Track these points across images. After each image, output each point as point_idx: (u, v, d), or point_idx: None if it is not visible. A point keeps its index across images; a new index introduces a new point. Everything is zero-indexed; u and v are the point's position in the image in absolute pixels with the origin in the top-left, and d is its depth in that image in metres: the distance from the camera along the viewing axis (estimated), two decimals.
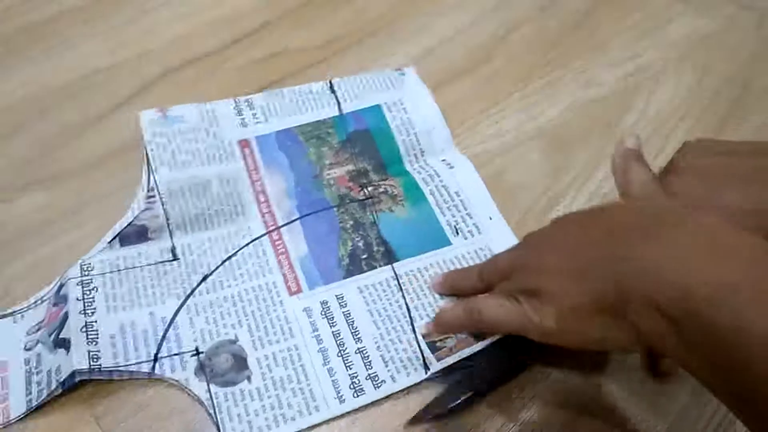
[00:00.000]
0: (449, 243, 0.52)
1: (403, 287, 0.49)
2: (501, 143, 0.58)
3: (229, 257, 0.50)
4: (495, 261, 0.46)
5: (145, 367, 0.44)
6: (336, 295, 0.48)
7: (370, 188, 0.54)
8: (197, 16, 0.68)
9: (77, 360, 0.42)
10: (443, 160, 0.56)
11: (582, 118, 0.60)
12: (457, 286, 0.48)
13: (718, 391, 0.31)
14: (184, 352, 0.45)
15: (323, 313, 0.48)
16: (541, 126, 0.60)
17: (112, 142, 0.57)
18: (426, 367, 0.45)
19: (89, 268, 0.48)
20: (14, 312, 0.47)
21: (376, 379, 0.44)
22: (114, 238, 0.49)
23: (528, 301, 0.39)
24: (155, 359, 0.44)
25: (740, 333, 0.29)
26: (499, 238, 0.52)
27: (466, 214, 0.53)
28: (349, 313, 0.47)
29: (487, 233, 0.52)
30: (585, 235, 0.38)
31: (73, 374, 0.42)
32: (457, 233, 0.52)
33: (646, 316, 0.33)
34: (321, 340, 0.46)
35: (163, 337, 0.45)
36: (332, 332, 0.47)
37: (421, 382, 0.45)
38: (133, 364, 0.44)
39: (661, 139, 0.59)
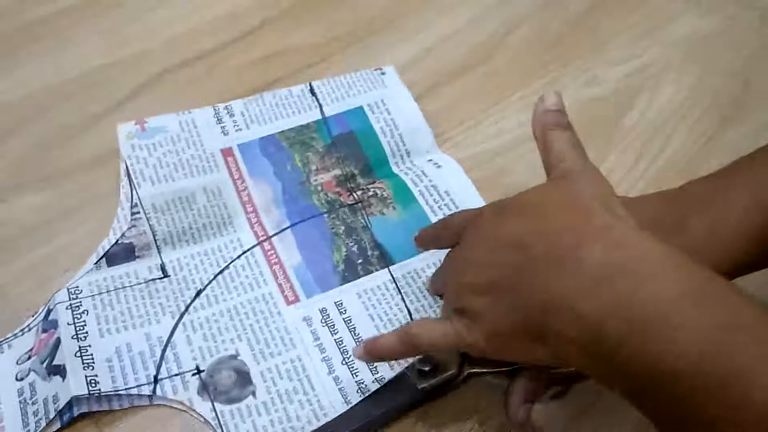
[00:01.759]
0: None
1: (401, 290, 0.49)
2: (501, 143, 0.58)
3: (221, 271, 0.49)
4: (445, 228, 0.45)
5: (146, 390, 0.43)
6: (335, 302, 0.48)
7: (359, 192, 0.54)
8: (196, 15, 0.68)
9: (75, 386, 0.41)
10: (430, 160, 0.56)
11: (583, 117, 0.60)
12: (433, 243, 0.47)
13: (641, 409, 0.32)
14: (184, 372, 0.44)
15: (323, 321, 0.47)
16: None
17: (110, 142, 0.57)
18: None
19: (77, 291, 0.46)
20: (1, 342, 0.45)
21: (383, 381, 0.44)
22: (100, 258, 0.48)
23: (459, 320, 0.37)
24: (155, 381, 0.43)
25: (650, 369, 0.29)
26: None
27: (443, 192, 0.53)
28: (349, 319, 0.47)
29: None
30: (505, 257, 0.35)
31: (71, 402, 0.41)
32: None
33: (564, 347, 0.33)
34: (324, 348, 0.46)
35: (161, 357, 0.44)
36: (334, 340, 0.46)
37: None
38: (134, 388, 0.43)
39: (663, 139, 0.59)
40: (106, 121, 0.58)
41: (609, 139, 0.59)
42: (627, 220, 0.34)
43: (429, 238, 0.46)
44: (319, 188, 0.53)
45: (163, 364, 0.44)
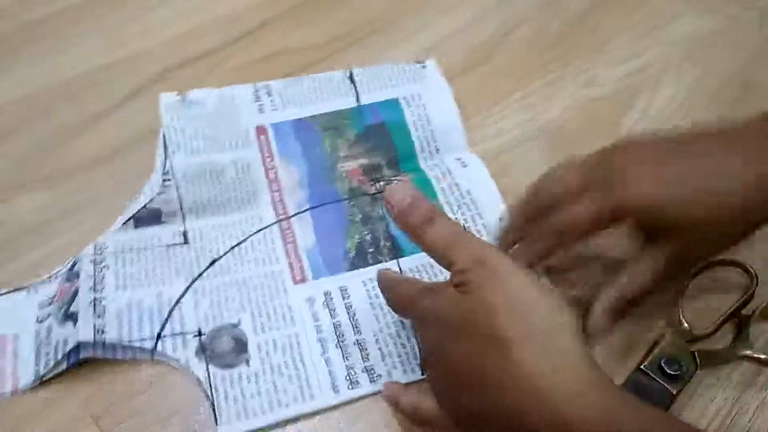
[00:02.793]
0: None
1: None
2: (501, 143, 0.58)
3: (239, 243, 0.50)
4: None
5: (148, 344, 0.45)
6: (340, 287, 0.49)
7: (382, 183, 0.54)
8: (196, 15, 0.68)
9: (83, 332, 0.43)
10: (458, 159, 0.56)
11: (583, 117, 0.60)
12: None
13: None
14: (186, 333, 0.46)
15: (325, 303, 0.48)
16: (542, 126, 0.60)
17: (110, 141, 0.57)
18: (423, 369, 0.45)
19: (103, 248, 0.49)
20: (29, 286, 0.48)
21: (372, 372, 0.45)
22: (129, 219, 0.50)
23: None
24: (158, 337, 0.45)
25: None
26: None
27: (477, 213, 0.53)
28: (351, 305, 0.48)
29: (496, 235, 0.51)
30: (465, 382, 0.35)
31: (78, 346, 0.43)
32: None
33: None
34: (321, 329, 0.47)
35: (168, 316, 0.46)
36: (333, 323, 0.47)
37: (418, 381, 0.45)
38: (137, 341, 0.45)
39: None
40: (106, 121, 0.59)
41: (609, 139, 0.58)
42: (552, 340, 0.33)
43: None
44: (344, 175, 0.54)
45: (168, 323, 0.46)
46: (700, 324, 0.46)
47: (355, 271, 0.50)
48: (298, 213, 0.52)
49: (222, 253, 0.50)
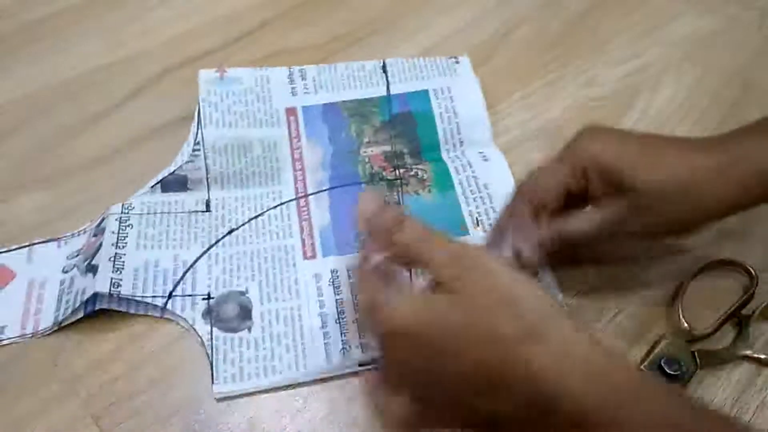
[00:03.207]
0: (467, 233, 0.52)
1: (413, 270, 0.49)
2: (502, 142, 0.58)
3: (257, 216, 0.52)
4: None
5: (159, 302, 0.47)
6: (347, 266, 0.50)
7: (402, 170, 0.55)
8: (196, 15, 0.68)
9: (100, 284, 0.46)
10: (480, 153, 0.57)
11: (583, 117, 0.60)
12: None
13: None
14: (196, 295, 0.48)
15: (331, 281, 0.49)
16: (542, 125, 0.60)
17: (110, 141, 0.57)
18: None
19: (130, 208, 0.51)
20: (60, 237, 0.51)
21: (366, 348, 0.46)
22: (157, 183, 0.53)
23: None
24: (169, 296, 0.47)
25: None
26: None
27: (491, 207, 0.53)
28: (355, 284, 0.48)
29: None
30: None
31: (95, 297, 0.46)
32: (478, 224, 0.52)
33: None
34: (324, 304, 0.48)
35: (181, 278, 0.48)
36: (336, 299, 0.48)
37: None
38: (149, 297, 0.47)
39: None
40: (106, 121, 0.59)
41: None
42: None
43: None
44: (367, 159, 0.56)
45: (181, 284, 0.48)
46: (700, 324, 0.46)
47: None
48: (317, 192, 0.54)
49: (240, 223, 0.52)
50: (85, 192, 0.54)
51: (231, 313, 0.47)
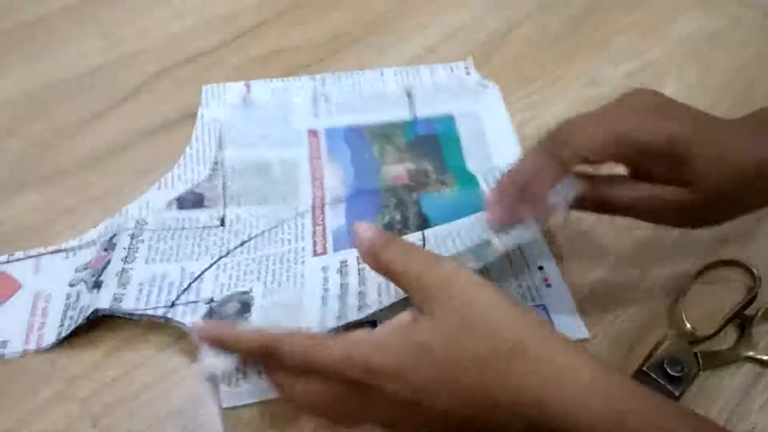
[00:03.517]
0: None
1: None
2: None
3: (271, 228, 0.51)
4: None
5: (161, 311, 0.46)
6: (357, 257, 0.48)
7: (423, 183, 0.54)
8: (195, 14, 0.68)
9: (103, 300, 0.45)
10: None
11: None
12: None
13: None
14: (199, 301, 0.47)
15: (339, 270, 0.47)
16: (543, 125, 0.59)
17: (108, 141, 0.57)
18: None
19: (143, 224, 0.51)
20: (68, 249, 0.50)
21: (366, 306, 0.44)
22: (173, 200, 0.52)
23: None
24: (172, 305, 0.46)
25: None
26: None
27: None
28: (363, 271, 0.46)
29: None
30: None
31: (96, 311, 0.45)
32: None
33: None
34: (327, 288, 0.46)
35: (186, 288, 0.47)
36: (340, 284, 0.46)
37: None
38: (150, 309, 0.46)
39: None
40: (104, 121, 0.58)
41: None
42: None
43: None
44: (389, 177, 0.55)
45: (185, 293, 0.47)
46: (703, 325, 0.45)
47: None
48: (333, 204, 0.53)
49: (254, 235, 0.51)
50: (83, 192, 0.53)
51: (231, 312, 0.46)
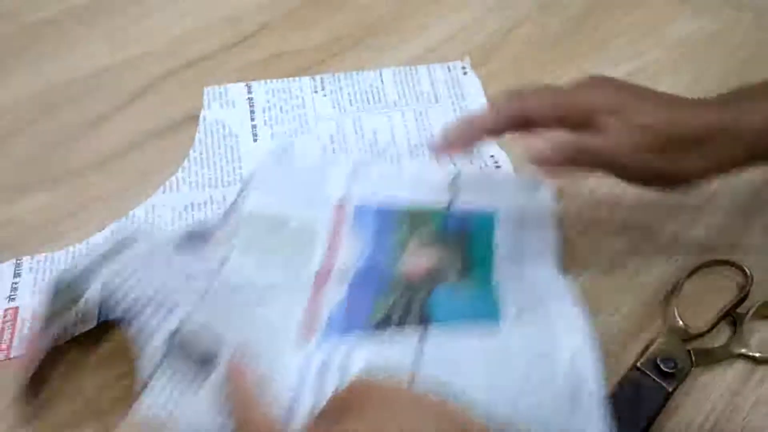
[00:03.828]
0: (497, 321, 0.44)
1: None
2: (502, 142, 0.58)
3: (265, 288, 0.47)
4: None
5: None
6: (341, 356, 0.42)
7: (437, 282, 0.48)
8: (199, 17, 0.68)
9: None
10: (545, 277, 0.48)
11: None
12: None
13: None
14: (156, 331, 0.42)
15: (319, 372, 0.41)
16: None
17: (113, 143, 0.58)
18: None
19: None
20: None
21: None
22: (184, 235, 0.49)
23: None
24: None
25: None
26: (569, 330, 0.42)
27: (537, 299, 0.45)
28: (345, 377, 0.41)
29: (554, 324, 0.43)
30: None
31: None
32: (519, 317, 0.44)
33: None
34: (300, 392, 0.41)
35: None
36: (315, 390, 0.40)
37: None
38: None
39: None
40: (110, 123, 0.59)
41: None
42: None
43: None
44: (407, 266, 0.49)
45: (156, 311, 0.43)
46: (696, 322, 0.46)
47: (370, 336, 0.44)
48: (340, 277, 0.48)
49: (247, 288, 0.46)
50: (89, 193, 0.54)
51: (193, 357, 0.41)
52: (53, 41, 0.65)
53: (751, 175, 0.49)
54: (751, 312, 0.46)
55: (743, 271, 0.48)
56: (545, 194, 0.52)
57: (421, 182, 0.53)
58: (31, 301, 0.48)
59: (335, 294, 0.47)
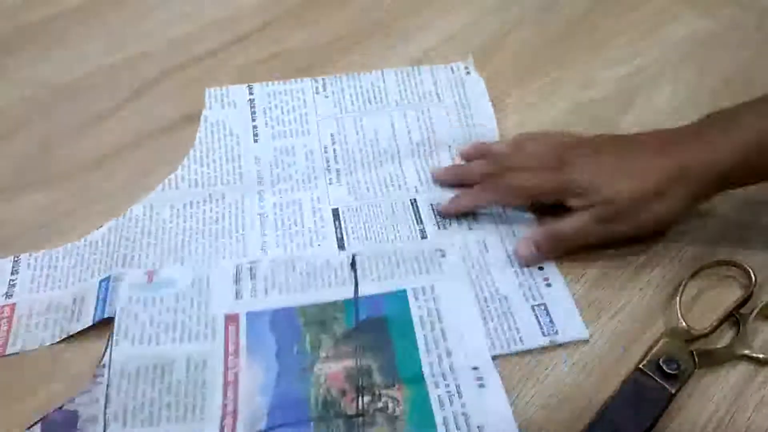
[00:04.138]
0: None
1: None
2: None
3: None
4: None
5: None
6: None
7: (366, 398, 0.43)
8: (197, 16, 0.68)
9: None
10: (474, 369, 0.44)
11: (582, 118, 0.60)
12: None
13: None
14: None
15: None
16: (542, 126, 0.60)
17: (111, 142, 0.57)
18: None
19: None
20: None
21: None
22: (35, 424, 0.41)
23: None
24: None
25: None
26: None
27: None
28: None
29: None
30: None
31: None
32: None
33: None
34: None
35: None
36: None
37: None
38: None
39: None
40: (107, 122, 0.59)
41: None
42: None
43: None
44: (322, 380, 0.43)
45: None
46: (699, 323, 0.46)
47: None
48: (249, 425, 0.41)
49: None
50: (86, 193, 0.54)
51: None
52: (52, 41, 0.65)
53: None
54: (754, 313, 0.46)
55: (747, 271, 0.48)
56: (455, 259, 0.50)
57: (318, 273, 0.49)
58: (29, 297, 0.48)
59: None
